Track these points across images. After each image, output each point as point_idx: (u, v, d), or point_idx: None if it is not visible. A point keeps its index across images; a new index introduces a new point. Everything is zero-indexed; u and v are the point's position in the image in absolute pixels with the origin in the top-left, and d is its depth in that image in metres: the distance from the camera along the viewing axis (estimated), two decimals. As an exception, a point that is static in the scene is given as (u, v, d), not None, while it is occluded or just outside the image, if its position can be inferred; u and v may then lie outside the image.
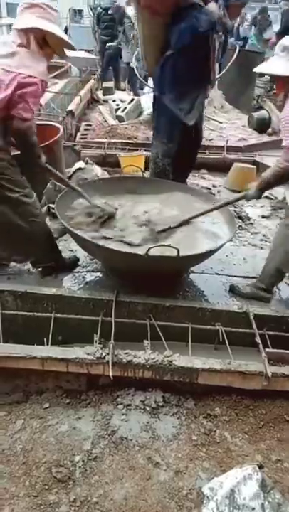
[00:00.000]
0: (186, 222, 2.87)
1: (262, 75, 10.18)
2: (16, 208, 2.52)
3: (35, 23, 2.32)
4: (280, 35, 8.42)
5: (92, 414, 2.07)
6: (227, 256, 3.25)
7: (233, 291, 2.86)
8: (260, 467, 1.69)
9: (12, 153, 2.53)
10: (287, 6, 9.24)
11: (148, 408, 2.09)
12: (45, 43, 2.40)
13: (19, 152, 2.55)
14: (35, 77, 2.29)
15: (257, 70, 2.61)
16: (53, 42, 2.43)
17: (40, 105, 6.00)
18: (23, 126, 2.35)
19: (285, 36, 2.52)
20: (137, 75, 8.69)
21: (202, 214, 2.89)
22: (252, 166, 4.94)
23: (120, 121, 7.01)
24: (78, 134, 6.18)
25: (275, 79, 2.61)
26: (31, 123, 2.39)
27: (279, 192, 4.40)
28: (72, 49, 2.59)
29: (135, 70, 8.72)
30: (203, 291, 2.87)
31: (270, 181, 2.55)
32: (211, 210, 2.88)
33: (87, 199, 2.87)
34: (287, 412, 2.13)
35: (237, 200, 2.87)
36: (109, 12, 9.17)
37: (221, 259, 3.18)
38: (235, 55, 8.16)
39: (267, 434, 2.05)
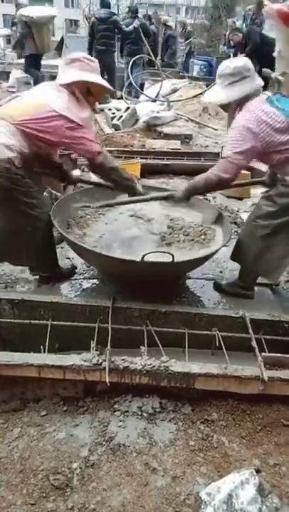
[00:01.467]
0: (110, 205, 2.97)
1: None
2: (23, 216, 2.55)
3: (79, 76, 2.51)
4: (249, 54, 8.44)
5: (89, 421, 2.07)
6: (224, 261, 3.26)
7: (217, 288, 2.91)
8: (258, 471, 1.70)
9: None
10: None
11: (145, 414, 2.09)
12: (88, 93, 2.58)
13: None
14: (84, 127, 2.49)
15: (206, 99, 2.74)
16: (96, 90, 2.63)
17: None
18: (100, 159, 2.56)
19: (222, 62, 2.59)
20: (133, 83, 8.82)
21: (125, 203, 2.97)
22: (246, 172, 4.97)
23: (116, 130, 7.06)
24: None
25: (223, 107, 2.68)
26: (104, 152, 2.61)
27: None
28: (112, 93, 2.87)
29: (131, 79, 8.85)
30: (199, 297, 2.88)
31: (200, 188, 2.63)
32: (131, 201, 2.91)
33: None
34: (284, 416, 2.13)
35: (162, 198, 2.87)
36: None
37: (217, 265, 3.20)
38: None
39: (264, 439, 2.05)
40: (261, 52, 7.90)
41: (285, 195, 2.48)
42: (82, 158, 5.25)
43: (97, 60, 2.64)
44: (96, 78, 2.57)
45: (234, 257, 2.85)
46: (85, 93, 2.56)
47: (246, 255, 2.73)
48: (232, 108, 2.53)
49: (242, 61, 2.48)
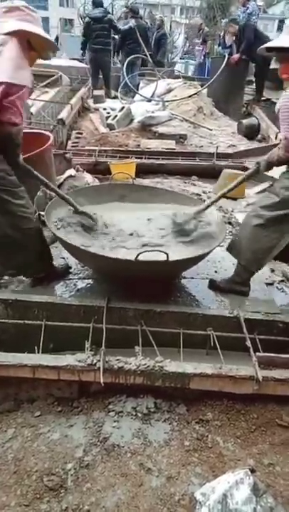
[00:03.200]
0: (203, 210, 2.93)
1: (251, 82, 10.32)
2: (11, 218, 2.49)
3: (18, 25, 2.25)
4: (245, 51, 8.42)
5: (83, 422, 2.06)
6: (219, 261, 3.27)
7: (212, 285, 2.91)
8: (252, 471, 1.70)
9: None
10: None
11: (140, 414, 2.08)
12: (29, 47, 2.33)
13: None
14: (21, 86, 2.25)
15: (269, 44, 2.52)
16: (38, 44, 2.37)
17: (31, 114, 6.04)
18: (14, 130, 2.33)
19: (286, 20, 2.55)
20: (128, 83, 8.81)
21: (211, 204, 2.96)
22: (241, 172, 4.98)
23: (111, 129, 7.05)
24: (69, 142, 6.21)
25: (282, 61, 2.51)
26: (21, 127, 2.37)
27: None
28: (57, 50, 2.54)
29: (126, 79, 8.84)
30: (194, 296, 2.87)
31: (274, 164, 2.63)
32: (219, 197, 2.94)
33: (74, 205, 2.86)
34: (278, 416, 2.14)
35: (252, 174, 2.84)
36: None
37: (212, 264, 3.20)
38: (223, 64, 8.30)
39: (259, 439, 2.05)
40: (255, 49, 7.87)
41: (283, 181, 2.52)
42: (76, 157, 5.28)
43: (36, 11, 2.40)
44: (38, 30, 2.30)
45: (229, 247, 2.87)
46: (26, 47, 2.29)
47: (237, 243, 2.77)
48: None
49: None
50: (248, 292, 2.85)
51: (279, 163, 2.61)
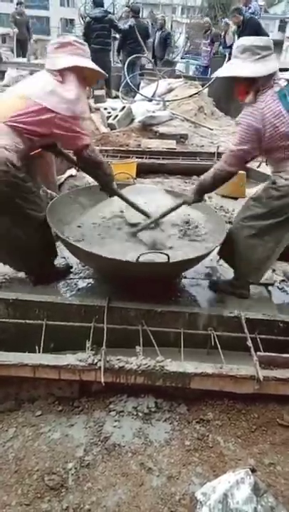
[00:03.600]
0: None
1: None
2: (21, 221, 2.53)
3: (74, 61, 2.40)
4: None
5: (84, 421, 2.06)
6: (219, 261, 3.26)
7: (213, 286, 2.92)
8: (253, 471, 1.70)
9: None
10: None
11: (140, 414, 2.08)
12: (81, 78, 2.47)
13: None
14: (82, 117, 2.43)
15: (221, 74, 2.53)
16: (89, 75, 2.54)
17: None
18: (87, 152, 2.50)
19: (241, 37, 2.54)
20: (129, 83, 8.81)
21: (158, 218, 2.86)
22: (242, 172, 4.98)
23: (112, 129, 7.05)
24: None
25: (235, 84, 2.52)
26: (93, 146, 2.55)
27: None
28: (105, 77, 2.75)
29: (127, 79, 8.84)
30: (195, 296, 2.88)
31: (208, 185, 2.63)
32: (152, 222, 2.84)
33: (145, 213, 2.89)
34: (279, 415, 2.13)
35: (178, 206, 2.83)
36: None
37: (213, 264, 3.20)
38: (224, 63, 8.26)
39: (259, 438, 2.05)
40: None
41: (275, 198, 2.49)
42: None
43: (86, 44, 2.54)
44: (90, 63, 2.48)
45: (221, 253, 2.87)
46: (81, 79, 2.46)
47: (231, 254, 2.76)
48: (254, 86, 2.39)
49: (265, 37, 2.45)
50: (247, 295, 2.85)
51: (215, 181, 2.59)
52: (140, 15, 11.56)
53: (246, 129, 2.39)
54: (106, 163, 2.67)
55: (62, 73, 2.40)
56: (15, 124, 2.34)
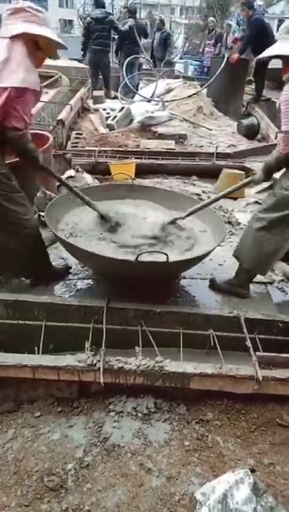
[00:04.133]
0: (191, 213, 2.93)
1: (250, 81, 10.32)
2: (6, 224, 2.48)
3: (23, 28, 2.23)
4: (243, 50, 8.35)
5: (84, 422, 2.06)
6: (219, 262, 3.27)
7: (213, 285, 2.92)
8: (253, 471, 1.70)
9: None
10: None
11: (140, 414, 2.08)
12: (36, 47, 2.31)
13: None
14: (25, 88, 2.23)
15: (266, 53, 2.54)
16: (45, 45, 2.35)
17: (31, 115, 6.03)
18: (16, 136, 2.32)
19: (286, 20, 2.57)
20: (128, 84, 8.81)
21: (204, 206, 2.96)
22: (241, 172, 4.99)
23: (111, 130, 7.04)
24: (69, 143, 6.21)
25: (284, 62, 2.52)
26: (24, 131, 2.36)
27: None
28: (65, 48, 2.48)
29: (126, 79, 8.84)
30: (194, 297, 2.88)
31: (272, 165, 2.61)
32: (216, 199, 3.00)
33: (94, 207, 2.86)
34: (278, 415, 2.14)
35: (245, 184, 2.91)
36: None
37: (212, 264, 3.20)
38: (223, 63, 8.29)
39: (259, 438, 2.05)
40: (260, 43, 7.59)
41: (286, 188, 2.50)
42: (76, 158, 5.28)
43: (44, 11, 2.37)
44: (43, 31, 2.28)
45: (237, 253, 2.86)
46: (32, 48, 2.28)
47: (242, 248, 2.76)
48: None
49: None
50: (247, 294, 2.85)
51: (278, 163, 2.59)
52: (138, 15, 11.57)
53: None
54: (33, 150, 2.47)
55: (13, 42, 2.22)
56: None
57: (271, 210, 2.57)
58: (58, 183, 4.20)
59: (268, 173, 2.69)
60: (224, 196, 2.98)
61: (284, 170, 2.62)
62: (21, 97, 2.24)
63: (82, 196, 2.84)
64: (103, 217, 2.86)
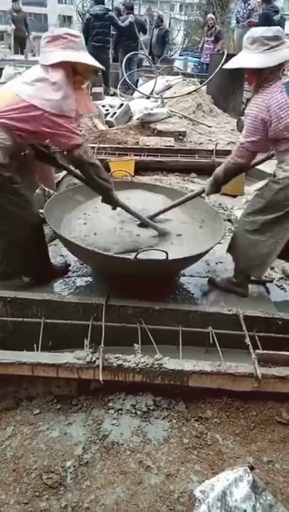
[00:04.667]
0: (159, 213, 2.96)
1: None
2: (10, 227, 2.49)
3: (62, 56, 2.31)
4: None
5: (83, 419, 2.06)
6: (218, 259, 3.26)
7: (211, 283, 2.93)
8: (252, 469, 1.69)
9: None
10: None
11: (139, 412, 2.08)
12: (74, 72, 2.39)
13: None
14: (67, 116, 2.33)
15: (228, 65, 2.54)
16: (83, 69, 2.43)
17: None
18: (78, 153, 2.40)
19: (251, 28, 2.54)
20: (127, 80, 8.79)
21: (167, 209, 2.99)
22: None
23: (110, 127, 7.02)
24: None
25: (246, 73, 2.53)
26: (86, 145, 2.46)
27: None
28: (101, 69, 2.59)
29: (125, 76, 8.82)
30: (193, 294, 2.87)
31: (221, 177, 2.68)
32: (172, 206, 2.98)
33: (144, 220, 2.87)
34: (278, 413, 2.13)
35: (196, 195, 2.94)
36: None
37: (211, 262, 3.20)
38: (223, 60, 8.27)
39: (258, 436, 2.05)
40: None
41: (275, 191, 2.48)
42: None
43: (81, 35, 2.45)
44: (83, 57, 2.37)
45: (229, 249, 2.87)
46: (71, 74, 2.36)
47: (235, 250, 2.77)
48: (262, 76, 2.40)
49: (275, 27, 2.42)
50: (246, 293, 2.85)
51: (226, 174, 2.64)
52: (138, 12, 11.55)
53: (253, 120, 2.42)
54: (101, 166, 2.53)
55: (52, 69, 2.31)
56: (2, 120, 2.28)
57: (261, 212, 2.56)
58: (57, 181, 4.20)
59: (216, 184, 2.75)
60: (178, 205, 3.00)
61: (272, 173, 2.61)
62: (62, 120, 2.32)
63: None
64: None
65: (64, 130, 2.33)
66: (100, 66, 2.52)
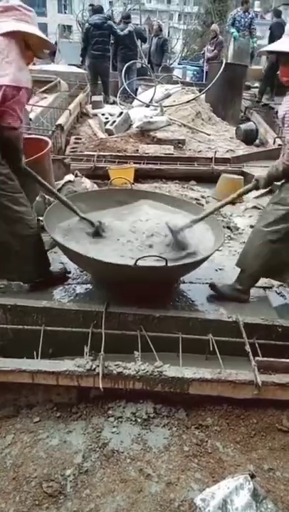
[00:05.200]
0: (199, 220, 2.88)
1: (249, 87, 10.39)
2: (9, 225, 2.49)
3: (15, 26, 2.25)
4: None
5: (83, 427, 2.05)
6: (216, 265, 3.27)
7: (213, 289, 2.90)
8: (252, 477, 1.69)
9: None
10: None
11: (139, 420, 2.07)
12: (25, 46, 2.33)
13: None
14: (20, 87, 2.25)
15: (271, 47, 2.44)
16: (34, 44, 2.37)
17: (30, 119, 6.06)
18: (14, 135, 2.35)
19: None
20: (127, 89, 8.85)
21: (212, 212, 2.95)
22: (240, 177, 5.00)
23: (109, 135, 7.06)
24: (68, 148, 6.22)
25: (283, 64, 2.41)
26: (20, 131, 2.39)
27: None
28: (53, 48, 2.53)
29: (125, 84, 8.88)
30: (193, 301, 2.87)
31: (278, 176, 2.60)
32: (222, 205, 2.96)
33: (76, 211, 2.87)
34: (278, 420, 2.13)
35: (250, 189, 2.84)
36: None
37: (211, 269, 3.20)
38: (221, 68, 8.33)
39: (258, 444, 2.04)
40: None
41: None
42: (75, 163, 5.29)
43: (33, 10, 2.38)
44: (35, 30, 2.32)
45: (240, 264, 2.83)
46: (23, 47, 2.29)
47: (255, 261, 2.70)
48: None
49: None
50: (248, 299, 2.85)
51: (285, 174, 2.56)
52: (136, 21, 11.68)
53: None
54: (22, 153, 2.52)
55: (5, 38, 2.23)
56: None
57: (284, 220, 2.54)
58: (57, 189, 4.21)
59: (270, 182, 2.68)
60: (228, 203, 2.96)
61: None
62: (16, 96, 2.25)
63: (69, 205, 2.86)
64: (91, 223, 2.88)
65: (11, 108, 2.25)
66: (52, 43, 2.46)
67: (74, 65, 10.95)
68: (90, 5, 12.24)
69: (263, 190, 4.31)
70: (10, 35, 2.24)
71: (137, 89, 10.06)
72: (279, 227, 2.56)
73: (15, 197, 2.46)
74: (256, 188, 2.78)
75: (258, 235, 2.69)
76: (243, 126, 7.75)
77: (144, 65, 10.64)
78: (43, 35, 2.37)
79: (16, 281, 2.80)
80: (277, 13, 10.51)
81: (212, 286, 2.93)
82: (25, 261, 2.63)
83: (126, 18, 10.26)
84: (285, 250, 2.59)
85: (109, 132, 7.14)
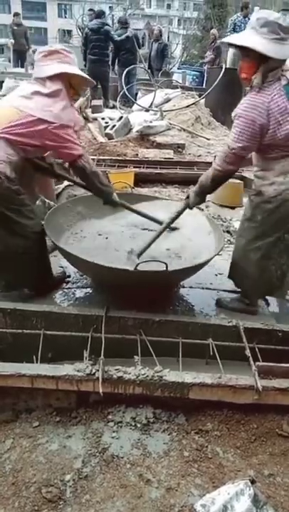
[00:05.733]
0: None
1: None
2: (15, 236, 2.50)
3: (61, 68, 2.40)
4: None
5: (82, 432, 2.04)
6: (216, 270, 3.27)
7: (220, 304, 2.86)
8: (253, 482, 1.68)
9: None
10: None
11: (139, 425, 2.07)
12: (69, 86, 2.48)
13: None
14: (69, 126, 2.41)
15: (233, 40, 2.21)
16: (77, 83, 2.54)
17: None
18: (80, 163, 2.50)
19: (260, 10, 2.39)
20: (126, 93, 8.88)
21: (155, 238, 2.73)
22: (239, 181, 5.01)
23: (109, 139, 7.08)
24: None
25: (244, 58, 2.21)
26: (86, 156, 2.54)
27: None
28: (92, 85, 2.76)
29: (125, 89, 8.91)
30: (193, 306, 2.87)
31: (208, 186, 2.50)
32: (162, 231, 2.76)
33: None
34: (278, 425, 2.12)
35: (182, 211, 2.72)
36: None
37: (211, 273, 3.20)
38: (221, 73, 8.36)
39: (259, 449, 2.03)
40: None
41: (270, 211, 2.39)
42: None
43: (73, 52, 2.54)
44: (77, 70, 2.48)
45: (232, 278, 2.80)
46: (68, 86, 2.46)
47: (245, 279, 2.68)
48: (264, 68, 2.14)
49: None
50: (257, 311, 2.79)
51: (215, 183, 2.46)
52: (136, 25, 11.74)
53: (250, 125, 2.21)
54: (101, 173, 2.66)
55: (50, 81, 2.39)
56: (8, 136, 2.32)
57: (260, 238, 2.46)
58: (57, 192, 4.22)
59: (202, 194, 2.57)
60: (164, 230, 2.77)
61: (251, 192, 2.53)
62: (67, 131, 2.41)
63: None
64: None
65: (66, 142, 2.40)
66: (92, 80, 2.66)
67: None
68: (90, 9, 12.35)
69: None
70: (56, 77, 2.40)
71: (136, 94, 10.10)
72: (259, 243, 2.48)
73: (22, 210, 2.48)
74: (188, 207, 2.65)
75: (240, 254, 2.63)
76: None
77: (144, 70, 10.69)
78: (85, 75, 2.55)
79: (17, 290, 2.79)
80: None
81: (218, 301, 2.87)
82: (25, 271, 2.63)
83: (123, 23, 10.30)
84: (273, 267, 2.52)
85: (109, 136, 7.16)
